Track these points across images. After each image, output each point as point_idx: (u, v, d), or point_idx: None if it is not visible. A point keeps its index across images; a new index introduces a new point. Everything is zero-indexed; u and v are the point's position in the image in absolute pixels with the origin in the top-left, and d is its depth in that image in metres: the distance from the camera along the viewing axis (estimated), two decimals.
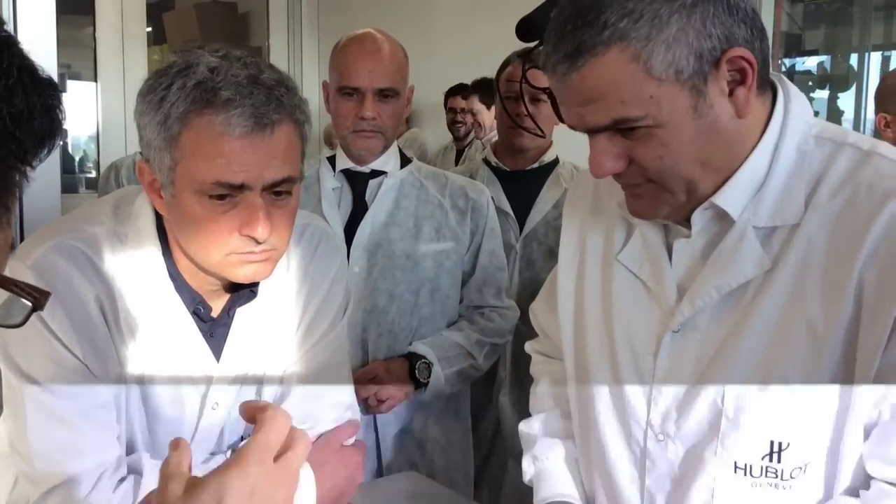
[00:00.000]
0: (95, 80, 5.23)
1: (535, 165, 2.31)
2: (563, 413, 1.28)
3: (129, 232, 1.18)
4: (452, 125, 4.57)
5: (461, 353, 1.87)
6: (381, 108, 1.79)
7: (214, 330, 1.23)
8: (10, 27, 1.87)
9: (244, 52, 1.12)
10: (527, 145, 2.27)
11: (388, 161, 1.89)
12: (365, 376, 1.77)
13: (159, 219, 1.18)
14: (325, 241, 1.37)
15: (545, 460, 1.27)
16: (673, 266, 1.05)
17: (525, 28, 1.22)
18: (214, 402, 1.24)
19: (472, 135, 4.56)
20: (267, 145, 1.07)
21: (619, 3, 0.88)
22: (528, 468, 1.29)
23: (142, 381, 1.19)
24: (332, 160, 1.91)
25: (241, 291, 1.23)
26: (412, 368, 1.81)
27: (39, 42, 2.52)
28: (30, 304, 0.49)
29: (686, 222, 1.03)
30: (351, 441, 1.34)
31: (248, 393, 1.27)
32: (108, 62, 4.90)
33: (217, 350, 1.23)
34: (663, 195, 0.97)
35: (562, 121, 1.15)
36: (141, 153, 1.14)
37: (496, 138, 2.45)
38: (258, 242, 1.09)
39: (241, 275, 1.14)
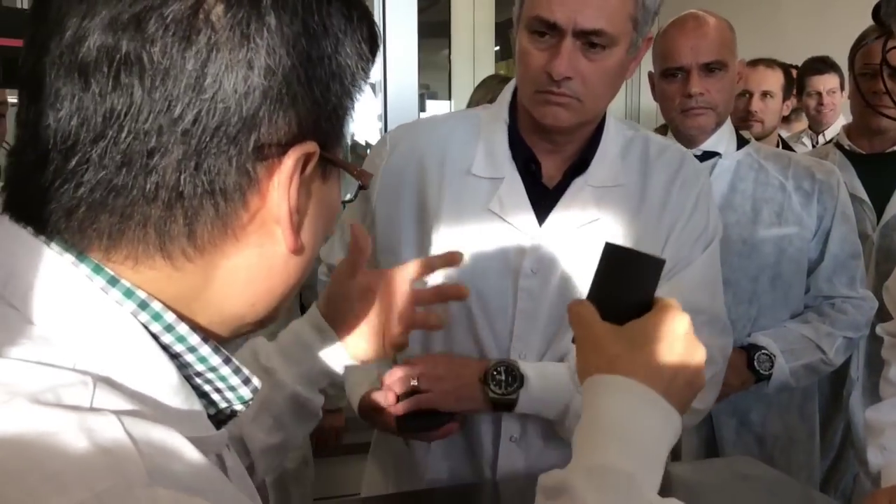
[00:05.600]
0: (449, 98, 5.76)
1: None
2: None
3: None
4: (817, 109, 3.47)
5: (809, 346, 1.75)
6: (708, 83, 1.73)
7: (545, 196, 1.26)
8: (379, 54, 2.15)
9: None
10: (886, 126, 2.07)
11: (720, 141, 1.81)
12: None
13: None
14: (671, 153, 1.32)
15: None
16: None
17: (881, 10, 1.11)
18: (531, 267, 1.25)
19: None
20: None
21: None
22: (874, 458, 1.19)
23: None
24: None
25: (576, 161, 1.27)
26: (751, 359, 1.75)
27: (404, 65, 2.88)
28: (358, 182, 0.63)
29: None
30: None
31: (570, 267, 1.25)
32: (460, 81, 5.36)
33: (542, 215, 1.26)
34: None
35: None
36: None
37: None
38: (556, 82, 1.15)
39: (541, 113, 1.21)
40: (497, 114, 1.31)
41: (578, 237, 1.25)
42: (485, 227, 1.26)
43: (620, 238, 1.24)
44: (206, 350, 0.54)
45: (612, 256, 0.75)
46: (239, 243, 0.53)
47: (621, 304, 0.73)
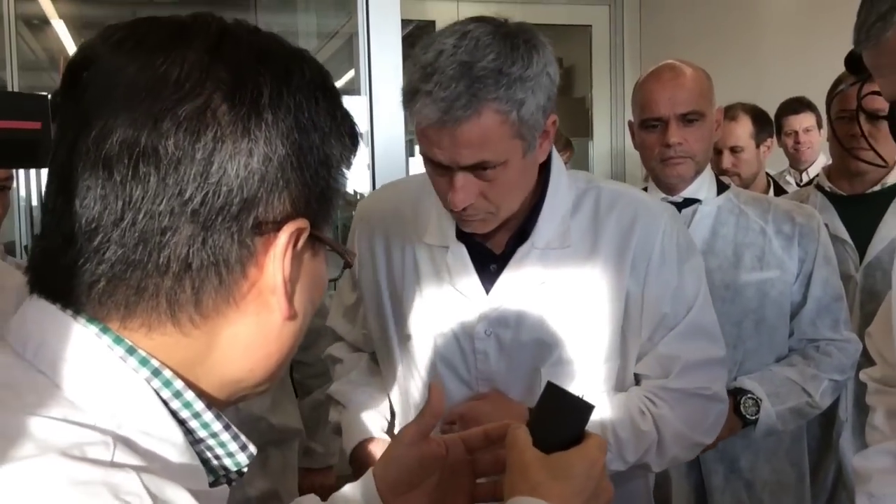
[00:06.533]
0: None
1: (877, 188, 2.13)
2: None
3: None
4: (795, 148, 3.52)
5: (794, 389, 1.75)
6: (686, 133, 1.76)
7: (494, 260, 1.30)
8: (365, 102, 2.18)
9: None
10: (864, 168, 2.09)
11: (700, 188, 1.84)
12: None
13: None
14: (620, 204, 1.32)
15: (884, 498, 1.16)
16: None
17: (855, 61, 1.13)
18: (484, 330, 1.29)
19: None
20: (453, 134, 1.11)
21: None
22: None
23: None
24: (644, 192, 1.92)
25: (517, 231, 1.29)
26: (737, 404, 1.75)
27: (390, 114, 2.91)
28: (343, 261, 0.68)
29: None
30: None
31: (522, 329, 1.29)
32: None
33: (492, 279, 1.29)
34: None
35: None
36: None
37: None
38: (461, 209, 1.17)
39: (463, 227, 1.26)
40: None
41: (527, 300, 1.28)
42: (441, 294, 1.32)
43: (569, 300, 1.28)
44: (209, 416, 0.60)
45: (551, 395, 0.87)
46: (239, 311, 0.60)
47: (553, 437, 0.84)
